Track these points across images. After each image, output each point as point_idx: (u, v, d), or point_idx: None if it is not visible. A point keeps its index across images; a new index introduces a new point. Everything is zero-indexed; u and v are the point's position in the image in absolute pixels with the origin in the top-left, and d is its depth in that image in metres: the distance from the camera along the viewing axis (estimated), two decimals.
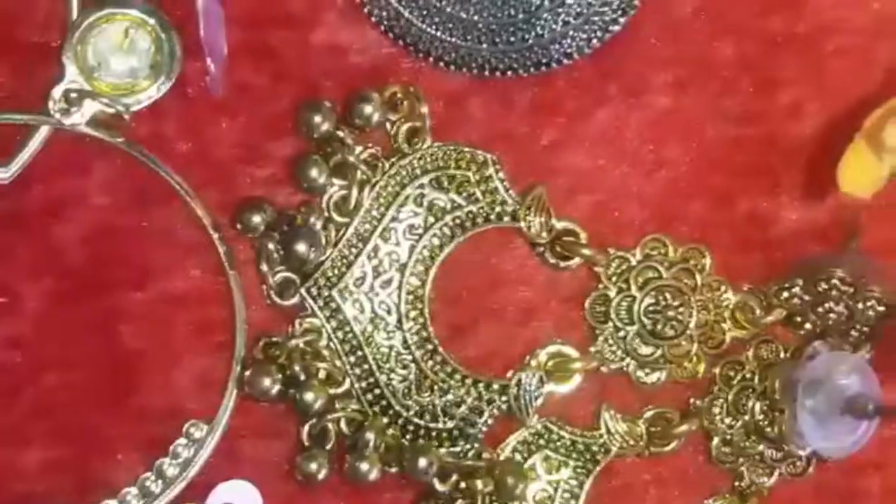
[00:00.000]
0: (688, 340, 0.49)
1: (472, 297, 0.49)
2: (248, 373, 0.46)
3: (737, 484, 0.51)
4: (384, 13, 0.48)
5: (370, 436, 0.47)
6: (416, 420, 0.48)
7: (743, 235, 0.50)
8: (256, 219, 0.47)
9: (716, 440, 0.50)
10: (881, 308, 0.50)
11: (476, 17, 0.48)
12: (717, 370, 0.50)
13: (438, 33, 0.48)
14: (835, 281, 0.49)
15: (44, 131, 0.46)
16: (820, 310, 0.50)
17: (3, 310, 0.45)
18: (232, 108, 0.47)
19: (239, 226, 0.47)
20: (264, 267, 0.47)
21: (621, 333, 0.49)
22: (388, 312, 0.48)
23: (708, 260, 0.50)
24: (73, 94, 0.45)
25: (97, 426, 0.46)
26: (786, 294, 0.49)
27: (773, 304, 0.49)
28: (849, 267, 0.49)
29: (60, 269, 0.46)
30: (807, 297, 0.49)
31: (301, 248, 0.46)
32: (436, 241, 0.48)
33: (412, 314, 0.48)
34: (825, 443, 0.48)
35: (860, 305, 0.49)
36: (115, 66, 0.45)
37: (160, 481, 0.45)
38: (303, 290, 0.47)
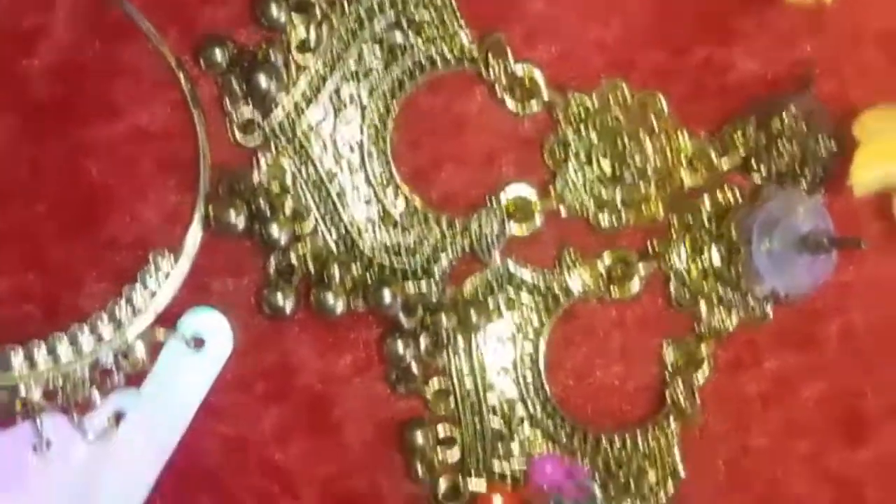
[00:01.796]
0: (646, 184, 0.50)
1: (433, 141, 0.50)
2: (212, 207, 0.47)
3: (695, 326, 0.51)
4: None
5: (335, 268, 0.48)
6: (380, 258, 0.49)
7: (699, 83, 0.51)
8: (219, 54, 0.47)
9: (674, 283, 0.51)
10: (833, 147, 0.50)
11: None
12: (674, 216, 0.51)
13: None
14: (787, 119, 0.50)
15: None
16: (774, 151, 0.51)
17: None
18: None
19: (202, 62, 0.48)
20: (227, 103, 0.48)
21: (580, 176, 0.50)
22: (351, 150, 0.49)
23: (665, 105, 0.50)
24: None
25: (65, 256, 0.46)
26: (740, 134, 0.50)
27: (728, 149, 0.50)
28: (802, 106, 0.50)
29: (25, 104, 0.46)
30: (761, 137, 0.50)
31: (263, 81, 0.47)
32: (396, 82, 0.49)
33: (374, 153, 0.49)
34: (782, 282, 0.49)
35: (813, 144, 0.50)
36: None
37: (129, 308, 0.46)
38: (266, 128, 0.48)
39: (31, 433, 0.44)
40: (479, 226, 0.49)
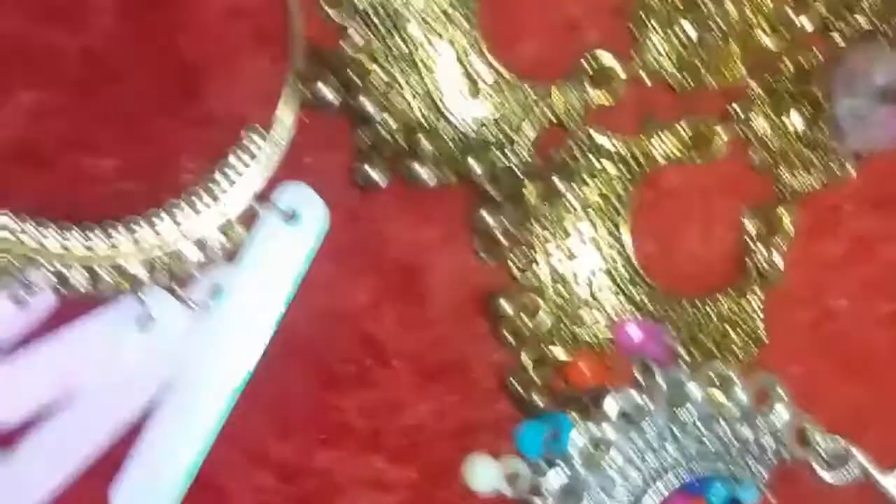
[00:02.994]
0: (727, 47, 0.50)
1: (518, 10, 0.49)
2: (303, 82, 0.47)
3: (777, 190, 0.51)
4: None
5: (424, 140, 0.48)
6: (467, 128, 0.49)
7: None
8: None
9: (756, 147, 0.51)
10: None
11: None
12: (756, 79, 0.51)
13: None
14: None
15: None
16: (855, 9, 0.50)
17: (77, 24, 0.46)
18: None
19: None
20: None
21: (662, 41, 0.50)
22: (437, 21, 0.48)
23: None
24: None
25: (162, 133, 0.46)
26: None
27: (808, 9, 0.50)
28: None
29: None
30: None
31: None
32: None
33: (461, 23, 0.49)
34: (863, 137, 0.49)
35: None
36: None
37: (225, 183, 0.46)
38: (355, 1, 0.48)
39: (134, 308, 0.44)
40: (563, 94, 0.49)
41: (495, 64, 0.49)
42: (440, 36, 0.48)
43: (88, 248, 0.45)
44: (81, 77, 0.46)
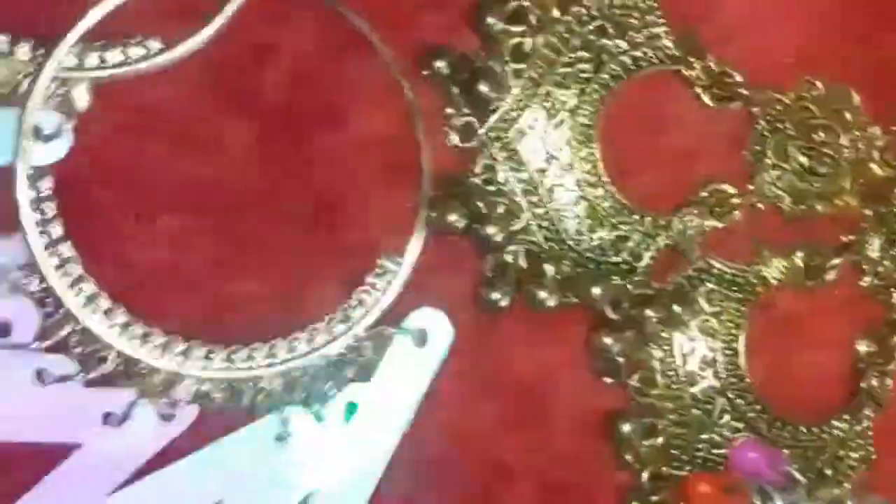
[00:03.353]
0: (840, 177, 0.52)
1: (637, 141, 0.52)
2: (433, 210, 0.49)
3: (889, 316, 0.53)
4: None
5: (547, 265, 0.50)
6: (587, 254, 0.51)
7: (892, 75, 0.52)
8: (440, 63, 0.50)
9: (868, 273, 0.53)
10: None
11: None
12: (868, 208, 0.52)
13: None
14: None
15: None
16: None
17: (209, 150, 0.49)
18: None
19: (424, 71, 0.50)
20: (449, 110, 0.50)
21: (776, 170, 0.52)
22: (560, 151, 0.51)
23: (857, 99, 0.52)
24: None
25: (301, 259, 0.49)
26: None
27: None
28: None
29: (261, 113, 0.49)
30: None
31: (482, 88, 0.49)
32: (603, 85, 0.51)
33: (582, 154, 0.51)
34: None
35: None
36: None
37: (359, 309, 0.48)
38: (482, 132, 0.50)
39: (274, 424, 0.47)
40: (681, 222, 0.51)
41: (616, 193, 0.51)
42: (562, 166, 0.51)
43: (230, 367, 0.47)
44: (222, 204, 0.49)
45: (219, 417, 0.48)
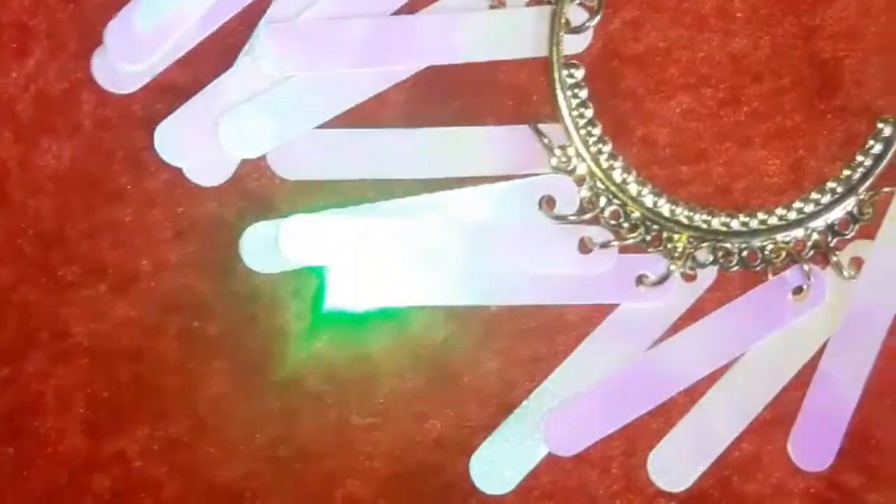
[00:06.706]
0: None
1: None
2: None
3: None
4: None
5: None
6: None
7: None
8: None
9: None
10: None
11: None
12: None
13: None
14: None
15: None
16: None
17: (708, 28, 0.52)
18: None
19: None
20: None
21: None
22: None
23: None
24: None
25: (801, 126, 0.53)
26: None
27: None
28: None
29: None
30: None
31: None
32: None
33: None
34: None
35: None
36: None
37: (859, 170, 0.52)
38: None
39: (793, 278, 0.51)
40: None
41: None
42: None
43: (745, 231, 0.52)
44: (727, 78, 0.53)
45: (736, 277, 0.52)
